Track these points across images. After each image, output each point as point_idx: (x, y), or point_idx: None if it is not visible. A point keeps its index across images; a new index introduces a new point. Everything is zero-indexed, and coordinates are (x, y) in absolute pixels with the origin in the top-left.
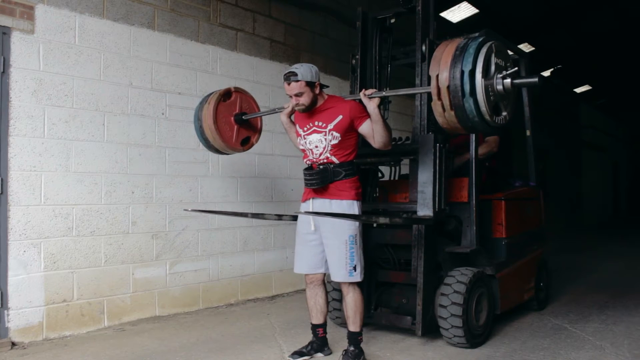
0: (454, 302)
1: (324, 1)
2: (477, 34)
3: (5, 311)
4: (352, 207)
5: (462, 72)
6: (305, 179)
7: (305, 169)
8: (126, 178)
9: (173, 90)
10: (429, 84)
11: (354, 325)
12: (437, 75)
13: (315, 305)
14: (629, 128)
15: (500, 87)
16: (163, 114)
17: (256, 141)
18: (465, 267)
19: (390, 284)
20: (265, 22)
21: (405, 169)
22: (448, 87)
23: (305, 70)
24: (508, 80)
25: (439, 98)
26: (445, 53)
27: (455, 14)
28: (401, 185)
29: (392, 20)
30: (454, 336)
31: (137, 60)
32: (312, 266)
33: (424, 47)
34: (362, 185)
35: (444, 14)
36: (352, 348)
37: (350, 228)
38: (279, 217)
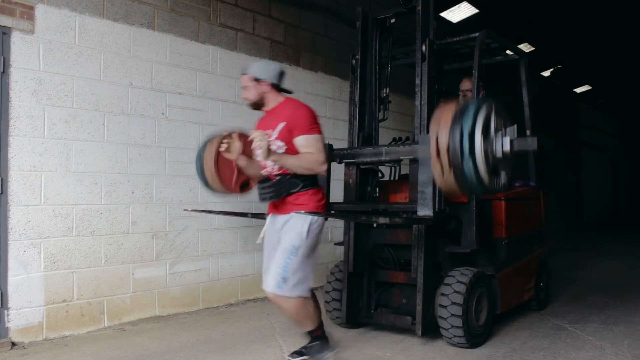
0: (454, 302)
1: (324, 1)
2: (478, 101)
3: (5, 311)
4: (304, 220)
5: (462, 134)
6: (258, 192)
7: (259, 181)
8: (126, 178)
9: (173, 90)
10: (428, 85)
11: (305, 328)
12: (437, 136)
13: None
14: (629, 128)
15: (499, 151)
16: (163, 114)
17: (255, 184)
18: (465, 267)
19: (390, 283)
20: (265, 22)
21: (405, 169)
22: (447, 148)
23: (258, 67)
24: (507, 146)
25: (438, 158)
26: (445, 113)
27: (455, 14)
28: (401, 185)
29: (392, 20)
30: (454, 336)
31: (137, 60)
32: None
33: (423, 47)
34: (363, 185)
35: (444, 14)
36: (310, 344)
37: (295, 238)
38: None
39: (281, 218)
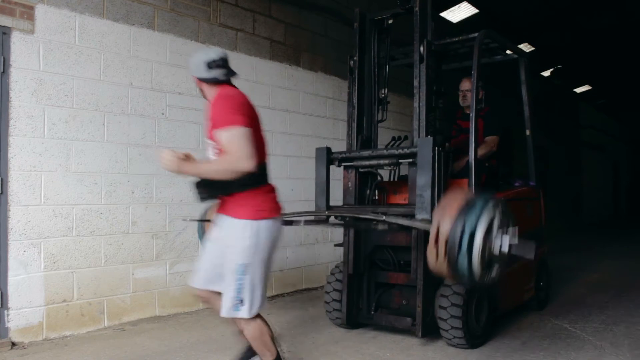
0: (453, 303)
1: (324, 1)
2: (486, 199)
3: (5, 311)
4: (244, 231)
5: (464, 230)
6: (194, 190)
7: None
8: (126, 178)
9: (173, 90)
10: (427, 86)
11: (264, 357)
12: (439, 224)
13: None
14: (629, 128)
15: (496, 249)
16: (163, 114)
17: None
18: None
19: (390, 285)
20: (265, 22)
21: (405, 169)
22: (447, 239)
23: (193, 61)
24: (506, 247)
25: (436, 245)
26: (451, 203)
27: (455, 14)
28: (400, 186)
29: (390, 21)
30: (454, 337)
31: (137, 60)
32: (206, 280)
33: (421, 48)
34: (362, 187)
35: (444, 14)
36: None
37: (240, 255)
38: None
39: (224, 220)
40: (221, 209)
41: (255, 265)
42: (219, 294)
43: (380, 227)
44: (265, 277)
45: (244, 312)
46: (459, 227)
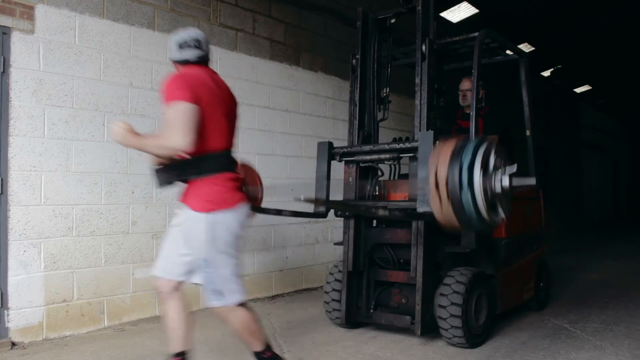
0: (453, 302)
1: (324, 1)
2: (478, 139)
3: (5, 311)
4: (198, 224)
5: (461, 167)
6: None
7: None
8: (126, 178)
9: None
10: (428, 84)
11: (253, 346)
12: (436, 168)
13: (169, 326)
14: (629, 128)
15: (498, 187)
16: (163, 114)
17: (253, 216)
18: (464, 267)
19: (390, 283)
20: (265, 22)
21: (405, 168)
22: (446, 180)
23: (169, 43)
24: (507, 182)
25: (437, 190)
26: (444, 148)
27: (455, 14)
28: (401, 184)
29: (392, 20)
30: (454, 336)
31: (137, 60)
32: (168, 269)
33: (423, 47)
34: (362, 183)
35: (444, 14)
36: None
37: (200, 249)
38: (279, 212)
39: (183, 209)
40: (181, 197)
41: (218, 259)
42: (179, 286)
43: (381, 212)
44: (235, 268)
45: (224, 300)
46: (456, 166)
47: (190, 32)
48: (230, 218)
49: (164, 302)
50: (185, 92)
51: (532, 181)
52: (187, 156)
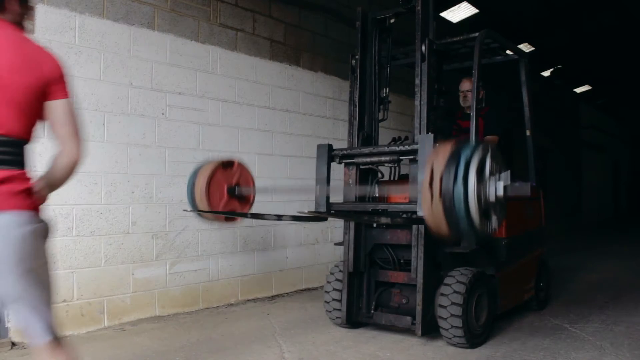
0: (453, 302)
1: (324, 1)
2: (476, 143)
3: (6, 311)
4: (8, 231)
5: (458, 165)
6: None
7: None
8: (126, 178)
9: (173, 90)
10: (428, 85)
11: None
12: (432, 166)
13: None
14: (629, 127)
15: (492, 195)
16: (163, 114)
17: (241, 220)
18: (465, 267)
19: (390, 284)
20: (265, 22)
21: (405, 169)
22: (441, 177)
23: None
24: (501, 191)
25: (430, 187)
26: (444, 148)
27: (455, 14)
28: (401, 185)
29: (392, 21)
30: (454, 336)
31: (137, 60)
32: None
33: (423, 47)
34: (362, 185)
35: (444, 14)
36: None
37: (15, 269)
38: (279, 217)
39: None
40: None
41: (29, 277)
42: None
43: (384, 220)
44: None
45: (39, 339)
46: (453, 164)
47: None
48: (36, 228)
49: None
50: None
51: (526, 190)
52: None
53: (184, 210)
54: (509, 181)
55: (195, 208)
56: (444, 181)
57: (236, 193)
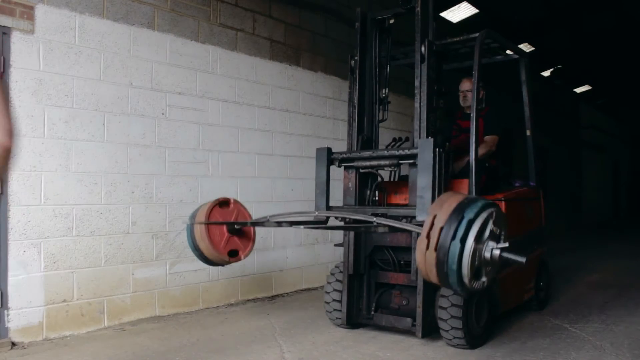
0: (453, 303)
1: (324, 1)
2: (485, 202)
3: (5, 311)
4: None
5: (462, 219)
6: None
7: None
8: (126, 178)
9: (173, 90)
10: (428, 85)
11: None
12: (434, 216)
13: None
14: (630, 127)
15: (488, 254)
16: (163, 114)
17: (245, 256)
18: None
19: (390, 285)
20: (265, 22)
21: (405, 169)
22: (442, 227)
23: None
24: (497, 252)
25: (428, 236)
26: (451, 200)
27: (455, 14)
28: (401, 186)
29: (391, 21)
30: (454, 337)
31: (137, 60)
32: None
33: (423, 48)
34: (362, 188)
35: (444, 14)
36: None
37: None
38: (279, 224)
39: None
40: None
41: None
42: None
43: (381, 230)
44: None
45: None
46: (454, 224)
47: None
48: None
49: None
50: None
51: (522, 260)
52: None
53: (184, 222)
54: (505, 244)
55: (197, 249)
56: (442, 235)
57: (236, 229)
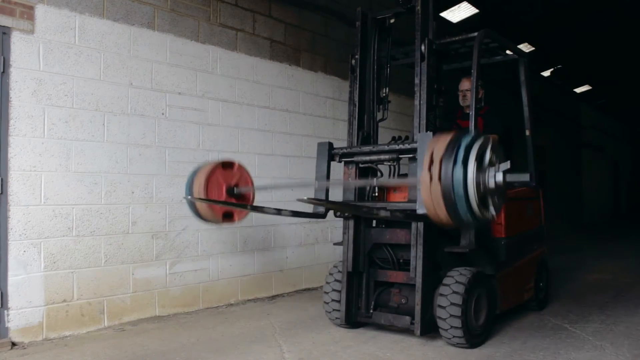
0: (452, 302)
1: (324, 1)
2: (477, 133)
3: (5, 311)
4: None
5: (459, 146)
6: None
7: None
8: (126, 178)
9: (173, 90)
10: (428, 85)
11: None
12: (433, 149)
13: None
14: (629, 127)
15: (492, 181)
16: (163, 114)
17: (239, 220)
18: (464, 267)
19: (389, 283)
20: (265, 22)
21: (404, 168)
22: (442, 158)
23: None
24: (500, 176)
25: (430, 169)
26: (444, 136)
27: (455, 14)
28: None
29: (392, 21)
30: (453, 336)
31: (137, 60)
32: None
33: (423, 47)
34: (361, 184)
35: (444, 14)
36: None
37: None
38: (278, 211)
39: None
40: None
41: None
42: None
43: (383, 213)
44: None
45: None
46: (453, 150)
47: None
48: None
49: None
50: None
51: (526, 177)
52: None
53: (184, 197)
54: (507, 166)
55: (192, 204)
56: (443, 163)
57: (235, 193)
